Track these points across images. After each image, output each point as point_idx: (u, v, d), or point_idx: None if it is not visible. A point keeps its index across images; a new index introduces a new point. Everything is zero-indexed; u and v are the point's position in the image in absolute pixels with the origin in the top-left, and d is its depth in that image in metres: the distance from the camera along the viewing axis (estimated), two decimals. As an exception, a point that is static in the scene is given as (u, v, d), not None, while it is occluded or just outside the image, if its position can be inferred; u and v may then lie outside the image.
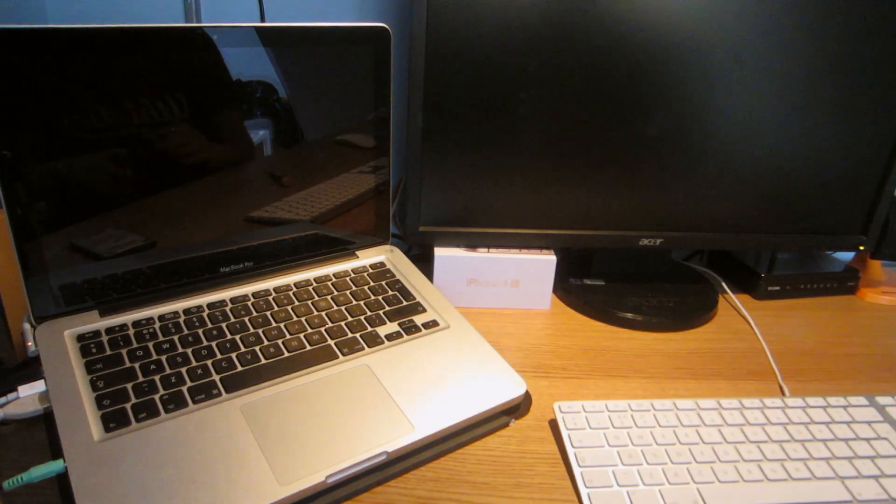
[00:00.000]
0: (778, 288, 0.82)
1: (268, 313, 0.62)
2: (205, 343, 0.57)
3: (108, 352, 0.55)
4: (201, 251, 0.63)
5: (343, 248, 0.71)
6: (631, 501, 0.48)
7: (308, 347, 0.58)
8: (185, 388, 0.52)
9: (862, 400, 0.59)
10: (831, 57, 0.68)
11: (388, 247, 0.74)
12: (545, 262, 0.74)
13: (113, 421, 0.49)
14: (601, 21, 0.65)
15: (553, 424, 0.57)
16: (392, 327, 0.62)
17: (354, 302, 0.65)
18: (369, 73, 0.65)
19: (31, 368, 0.57)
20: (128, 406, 0.50)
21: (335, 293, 0.66)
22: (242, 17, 0.80)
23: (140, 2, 0.78)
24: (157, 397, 0.51)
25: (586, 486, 0.49)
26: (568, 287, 0.79)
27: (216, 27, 0.57)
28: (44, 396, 0.53)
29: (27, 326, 0.56)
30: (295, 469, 0.46)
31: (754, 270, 0.82)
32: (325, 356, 0.57)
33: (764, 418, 0.56)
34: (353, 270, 0.69)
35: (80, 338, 0.56)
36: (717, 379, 0.65)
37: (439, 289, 0.69)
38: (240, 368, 0.55)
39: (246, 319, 0.61)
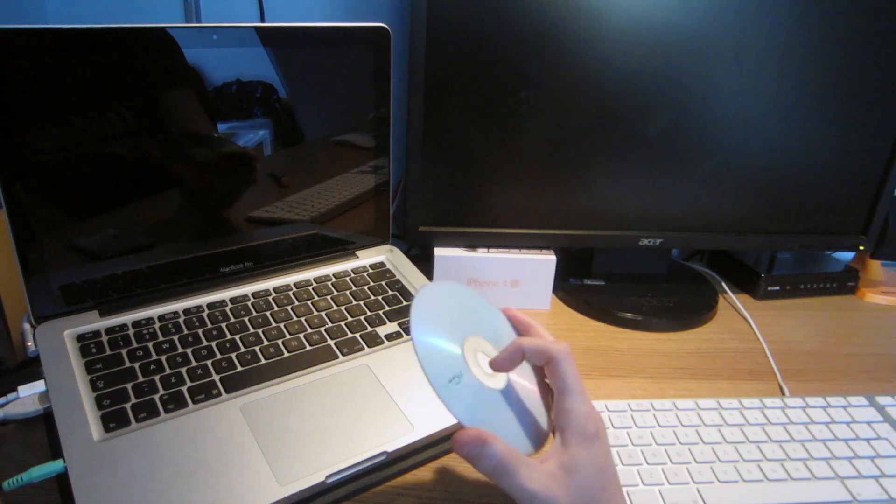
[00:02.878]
0: (778, 288, 0.82)
1: (268, 313, 0.62)
2: (205, 343, 0.57)
3: (108, 352, 0.55)
4: (201, 251, 0.63)
5: (343, 249, 0.71)
6: (631, 501, 0.48)
7: (308, 347, 0.58)
8: (184, 388, 0.52)
9: (862, 400, 0.59)
10: (831, 57, 0.68)
11: (387, 247, 0.74)
12: (545, 262, 0.74)
13: (113, 421, 0.49)
14: (602, 21, 0.65)
15: (553, 424, 0.57)
16: (392, 327, 0.62)
17: (354, 302, 0.65)
18: (369, 73, 0.65)
19: (31, 368, 0.57)
20: (128, 406, 0.50)
21: (335, 293, 0.66)
22: (242, 17, 0.80)
23: (140, 2, 0.78)
24: (156, 397, 0.51)
25: (586, 486, 0.49)
26: (568, 287, 0.79)
27: (216, 27, 0.57)
28: (44, 396, 0.53)
29: (27, 326, 0.56)
30: (295, 469, 0.46)
31: (754, 270, 0.82)
32: (325, 356, 0.57)
33: (764, 418, 0.56)
34: (352, 270, 0.69)
35: (80, 338, 0.56)
36: (717, 379, 0.65)
37: (439, 289, 0.69)
38: (240, 368, 0.55)
39: (246, 319, 0.60)
